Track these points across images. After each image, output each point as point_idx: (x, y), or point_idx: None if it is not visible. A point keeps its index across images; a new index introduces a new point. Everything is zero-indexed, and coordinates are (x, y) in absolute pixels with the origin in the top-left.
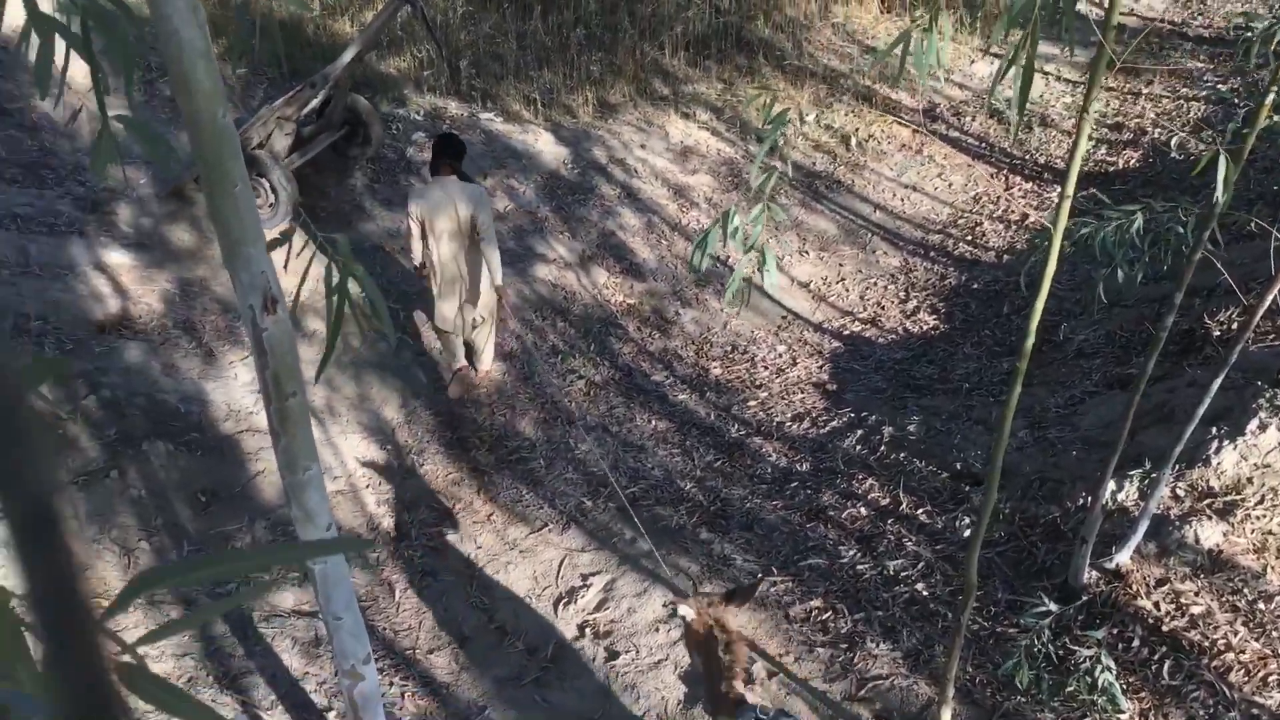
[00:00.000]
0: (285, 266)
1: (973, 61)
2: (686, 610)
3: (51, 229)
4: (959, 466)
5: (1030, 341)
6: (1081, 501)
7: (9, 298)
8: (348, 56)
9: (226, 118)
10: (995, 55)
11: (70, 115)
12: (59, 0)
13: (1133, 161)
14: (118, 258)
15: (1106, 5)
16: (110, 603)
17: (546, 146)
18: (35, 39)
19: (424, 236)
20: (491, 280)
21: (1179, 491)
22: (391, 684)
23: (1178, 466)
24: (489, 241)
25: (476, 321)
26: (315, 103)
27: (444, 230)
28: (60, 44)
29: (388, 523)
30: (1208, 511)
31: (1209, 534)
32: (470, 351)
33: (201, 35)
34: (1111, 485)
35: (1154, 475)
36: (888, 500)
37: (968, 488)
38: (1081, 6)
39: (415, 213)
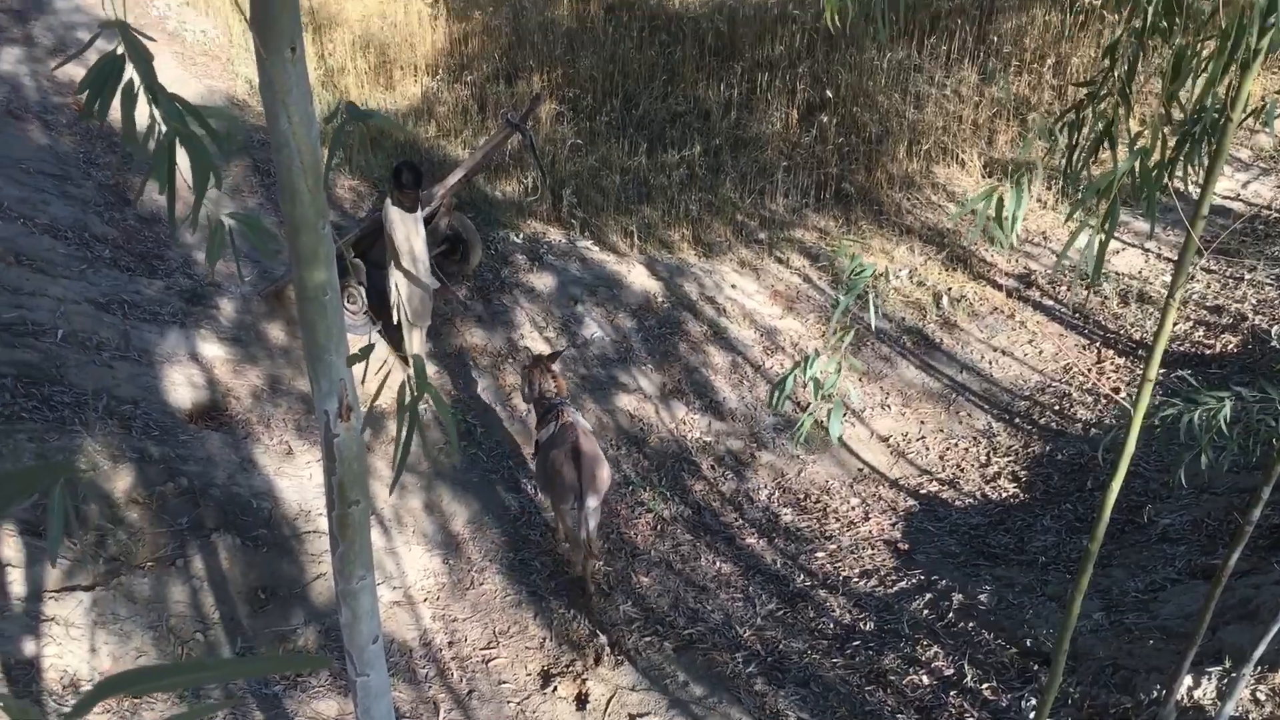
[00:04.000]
0: (363, 380)
1: (1072, 232)
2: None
3: (155, 317)
4: (1029, 643)
5: (1103, 524)
6: (1155, 694)
7: (105, 380)
8: (455, 177)
9: (326, 228)
10: (1089, 225)
11: (188, 211)
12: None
13: (1231, 346)
14: (214, 350)
15: (1198, 194)
16: (77, 702)
17: (640, 278)
18: (155, 140)
19: None
20: None
21: (1259, 695)
22: None
23: (1259, 668)
24: None
25: None
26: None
27: None
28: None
29: (441, 638)
30: None
31: None
32: None
33: (312, 148)
34: (1188, 680)
35: (1234, 674)
36: (952, 671)
37: (1036, 666)
38: (1185, 186)
39: None
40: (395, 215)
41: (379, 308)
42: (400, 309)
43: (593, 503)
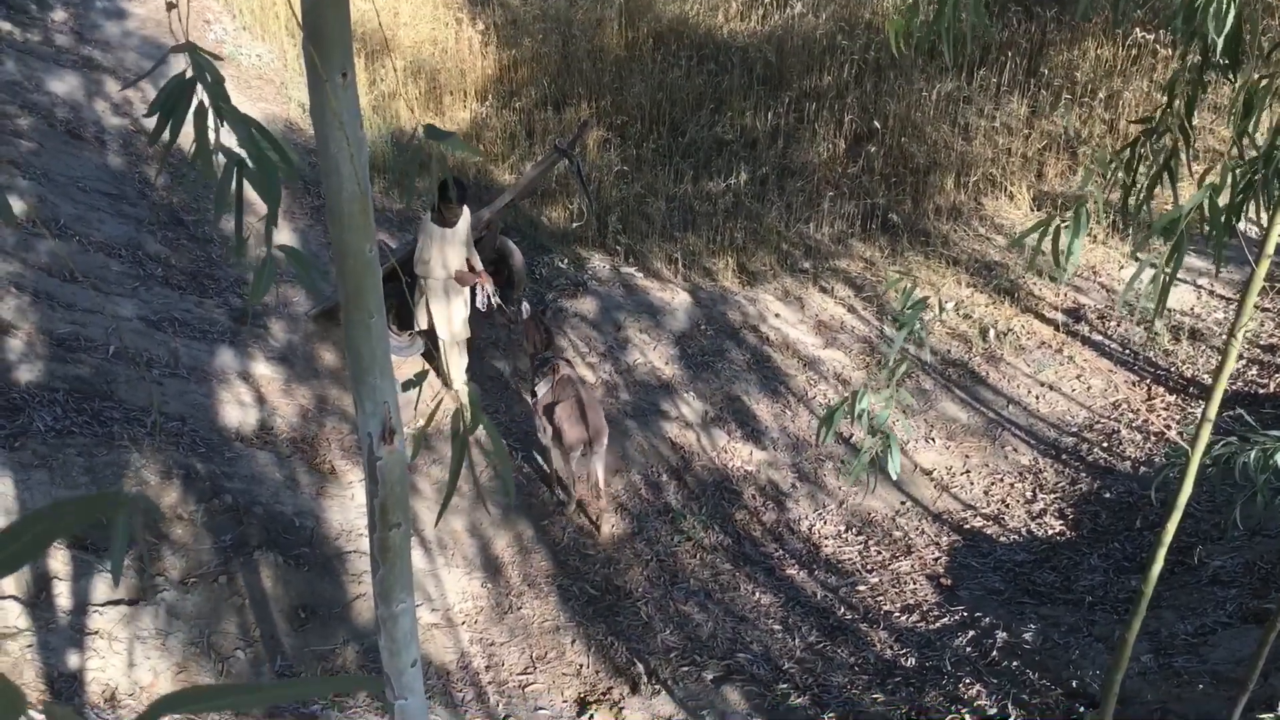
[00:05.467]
0: (415, 409)
1: (1122, 267)
2: (525, 307)
3: (205, 335)
4: (1075, 684)
5: (1158, 566)
6: None
7: (153, 396)
8: (502, 202)
9: (373, 252)
10: (1151, 264)
11: (243, 233)
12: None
13: None
14: (262, 369)
15: (1265, 229)
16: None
17: (683, 306)
18: (218, 163)
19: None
20: None
21: None
22: None
23: None
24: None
25: None
26: None
27: None
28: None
29: (479, 662)
30: None
31: None
32: None
33: (361, 172)
34: None
35: None
36: (995, 710)
37: (1083, 708)
38: (1243, 225)
39: None
40: (432, 229)
41: (410, 320)
42: (432, 324)
43: (598, 450)
